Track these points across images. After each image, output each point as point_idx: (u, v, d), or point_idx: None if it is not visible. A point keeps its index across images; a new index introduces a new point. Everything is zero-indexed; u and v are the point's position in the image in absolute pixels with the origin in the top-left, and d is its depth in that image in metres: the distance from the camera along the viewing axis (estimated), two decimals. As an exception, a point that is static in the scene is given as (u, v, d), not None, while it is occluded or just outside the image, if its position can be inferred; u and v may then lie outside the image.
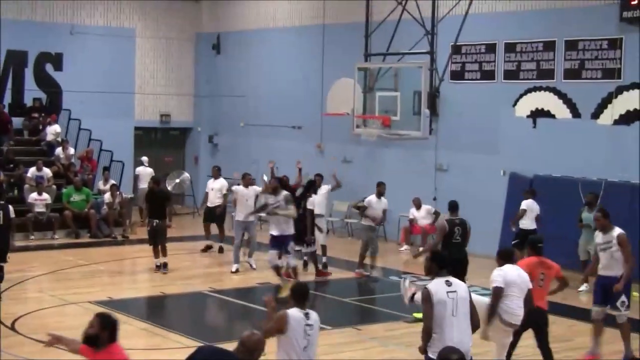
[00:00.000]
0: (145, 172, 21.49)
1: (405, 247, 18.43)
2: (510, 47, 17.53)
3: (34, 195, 18.96)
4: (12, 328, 11.37)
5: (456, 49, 17.95)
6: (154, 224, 15.24)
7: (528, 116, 17.24)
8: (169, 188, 22.53)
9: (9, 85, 22.22)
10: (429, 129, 17.49)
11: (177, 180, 22.37)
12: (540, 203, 16.96)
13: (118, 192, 19.67)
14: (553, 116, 16.88)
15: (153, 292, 14.00)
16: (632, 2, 15.36)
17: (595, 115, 16.18)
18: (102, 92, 23.07)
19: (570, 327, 12.06)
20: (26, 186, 19.52)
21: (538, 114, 17.09)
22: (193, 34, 25.10)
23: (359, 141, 19.16)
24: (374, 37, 19.05)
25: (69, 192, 19.29)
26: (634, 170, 15.32)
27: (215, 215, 17.51)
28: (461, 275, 10.80)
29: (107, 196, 19.58)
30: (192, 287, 14.35)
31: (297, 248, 14.69)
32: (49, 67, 22.79)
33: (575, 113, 16.55)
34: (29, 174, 19.62)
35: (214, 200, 17.46)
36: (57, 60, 22.85)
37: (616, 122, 15.86)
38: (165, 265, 15.30)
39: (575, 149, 16.42)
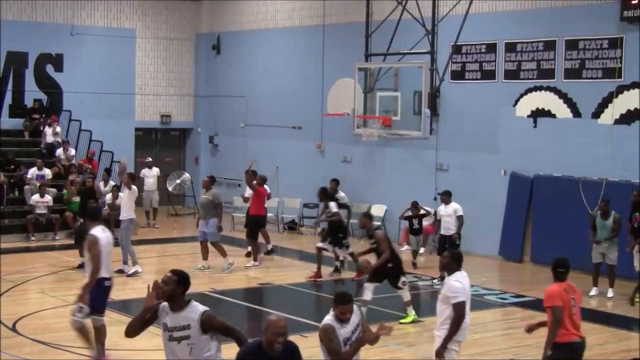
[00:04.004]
0: (151, 173, 21.53)
1: (406, 247, 18.41)
2: (510, 47, 17.52)
3: (36, 197, 18.99)
4: (13, 329, 11.38)
5: (456, 49, 17.94)
6: (80, 223, 15.49)
7: (528, 116, 17.23)
8: (170, 189, 22.56)
9: (10, 86, 22.23)
10: (430, 129, 17.49)
11: (178, 181, 22.39)
12: (541, 202, 17.00)
13: (118, 193, 19.64)
14: (554, 116, 16.87)
15: (154, 293, 13.96)
16: (633, 2, 15.36)
17: (596, 114, 16.17)
18: (102, 93, 23.09)
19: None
20: (27, 187, 19.55)
21: (538, 113, 17.08)
22: (193, 34, 25.11)
23: (359, 141, 19.15)
24: (374, 37, 19.02)
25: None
26: (634, 170, 15.31)
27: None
28: None
29: (108, 197, 19.56)
30: (193, 288, 14.22)
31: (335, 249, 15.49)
32: (49, 68, 22.80)
33: (576, 112, 16.54)
34: (29, 175, 19.67)
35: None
36: (57, 61, 22.87)
37: (617, 122, 15.84)
38: None
39: (576, 149, 16.41)
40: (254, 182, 16.43)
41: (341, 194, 16.86)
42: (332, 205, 15.78)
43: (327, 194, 16.19)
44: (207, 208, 15.65)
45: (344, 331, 6.47)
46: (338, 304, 6.48)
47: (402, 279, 12.12)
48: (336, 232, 15.40)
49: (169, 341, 6.10)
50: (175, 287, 6.10)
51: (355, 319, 6.56)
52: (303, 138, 21.74)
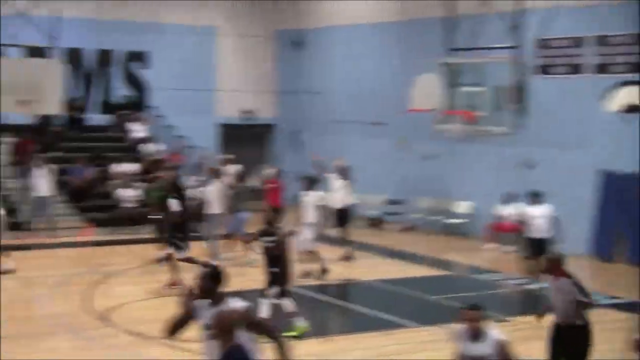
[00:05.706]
0: (229, 171, 21.64)
1: (490, 245, 18.11)
2: (600, 40, 17.02)
3: (124, 191, 19.43)
4: (106, 319, 11.64)
5: (543, 43, 17.54)
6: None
7: (620, 111, 16.71)
8: (250, 185, 22.65)
9: (99, 83, 22.83)
10: (515, 125, 17.16)
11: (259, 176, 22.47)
12: (634, 201, 16.47)
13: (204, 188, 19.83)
14: (647, 111, 16.33)
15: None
16: None
17: (693, 109, 15.59)
18: (187, 89, 23.46)
19: None
20: (114, 182, 20.01)
21: (631, 108, 16.54)
22: (274, 31, 25.27)
23: (442, 137, 18.91)
24: (458, 31, 18.76)
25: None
26: None
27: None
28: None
29: (193, 192, 19.78)
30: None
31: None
32: (136, 65, 23.31)
33: (671, 108, 15.97)
34: (115, 170, 20.18)
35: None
36: (143, 59, 23.35)
37: None
38: None
39: (671, 145, 15.86)
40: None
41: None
42: (173, 203, 13.95)
43: (176, 187, 14.67)
44: None
45: (469, 346, 6.13)
46: (463, 310, 6.22)
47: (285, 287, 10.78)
48: (175, 232, 13.67)
49: (211, 340, 5.72)
50: (209, 282, 5.94)
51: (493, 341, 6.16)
52: (385, 135, 21.61)
